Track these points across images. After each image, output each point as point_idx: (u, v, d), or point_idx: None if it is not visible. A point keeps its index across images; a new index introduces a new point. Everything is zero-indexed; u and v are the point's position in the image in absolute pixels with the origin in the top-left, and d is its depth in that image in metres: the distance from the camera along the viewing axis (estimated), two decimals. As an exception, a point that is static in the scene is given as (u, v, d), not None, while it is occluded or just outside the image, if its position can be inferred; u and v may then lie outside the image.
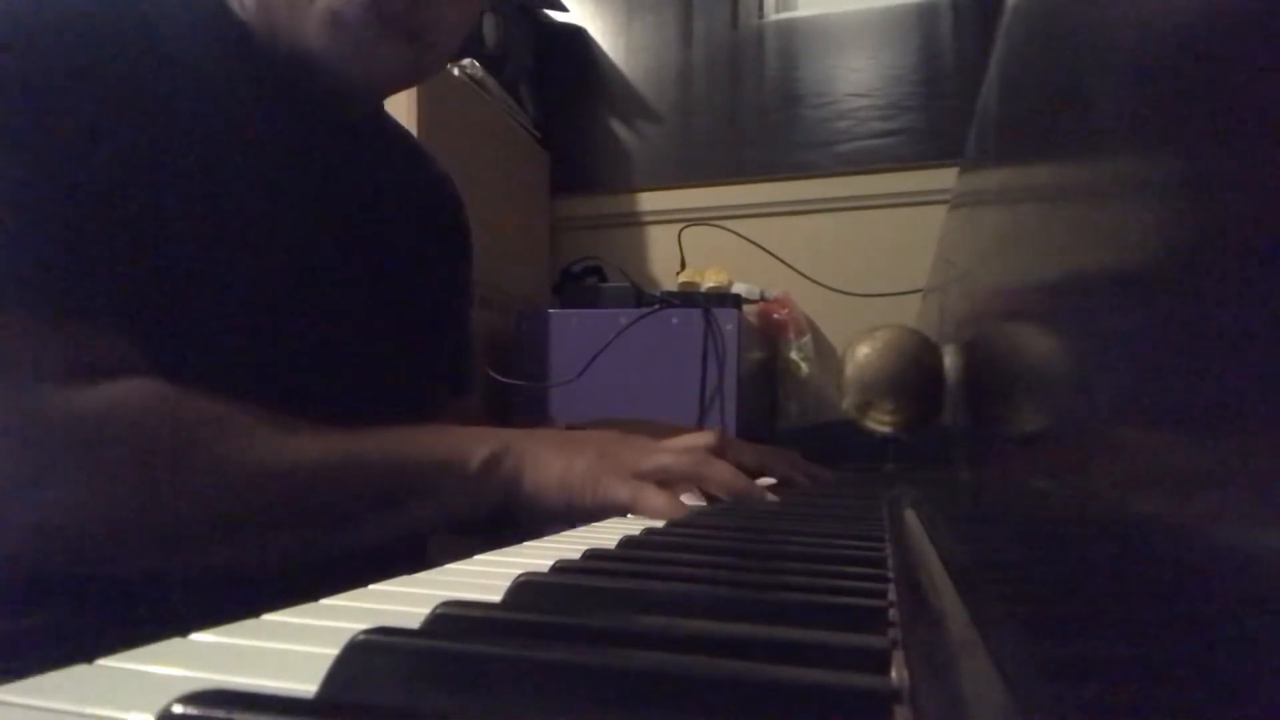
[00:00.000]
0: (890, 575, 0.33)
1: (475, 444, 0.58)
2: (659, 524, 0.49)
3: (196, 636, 0.23)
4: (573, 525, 0.58)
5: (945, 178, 1.35)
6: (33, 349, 0.47)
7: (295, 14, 0.60)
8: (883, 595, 0.28)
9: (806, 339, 1.52)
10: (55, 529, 0.46)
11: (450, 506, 0.57)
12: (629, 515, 0.56)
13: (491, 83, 1.49)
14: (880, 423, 0.55)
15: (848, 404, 0.56)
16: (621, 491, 0.57)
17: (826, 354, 1.56)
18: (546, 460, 0.59)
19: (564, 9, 1.76)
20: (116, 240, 0.50)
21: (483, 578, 0.33)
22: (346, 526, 0.55)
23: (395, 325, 0.72)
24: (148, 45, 0.55)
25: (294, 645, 0.22)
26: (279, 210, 0.61)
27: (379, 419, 0.57)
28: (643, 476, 0.58)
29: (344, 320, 0.66)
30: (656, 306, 1.32)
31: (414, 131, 1.20)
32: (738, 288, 1.48)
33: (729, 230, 1.64)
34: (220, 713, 0.16)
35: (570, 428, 0.81)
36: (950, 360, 0.47)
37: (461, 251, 0.89)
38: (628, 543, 0.40)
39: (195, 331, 0.54)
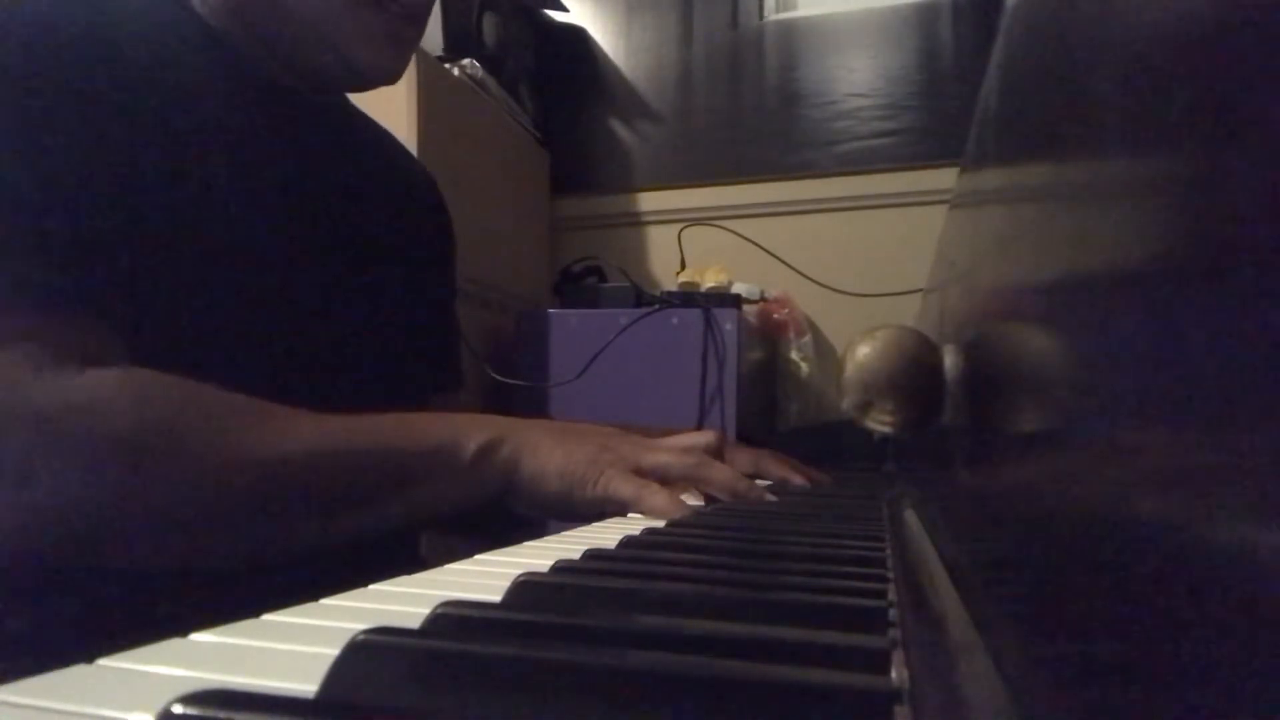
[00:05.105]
0: (890, 575, 0.33)
1: (471, 431, 0.58)
2: (659, 524, 0.49)
3: (196, 636, 0.23)
4: (570, 517, 0.58)
5: (945, 178, 1.35)
6: (18, 338, 0.47)
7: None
8: (883, 595, 0.28)
9: (806, 339, 1.51)
10: (45, 520, 0.46)
11: (446, 494, 0.57)
12: (629, 514, 0.56)
13: (491, 83, 1.49)
14: (880, 423, 0.55)
15: (848, 404, 0.56)
16: (625, 488, 0.56)
17: (826, 354, 1.56)
18: (546, 449, 0.58)
19: (564, 9, 1.76)
20: (97, 230, 0.50)
21: (483, 578, 0.33)
22: (339, 516, 0.54)
23: (381, 315, 0.72)
24: (113, 41, 0.55)
25: (294, 645, 0.22)
26: (256, 199, 0.61)
27: (367, 410, 0.57)
28: (644, 473, 0.58)
29: (328, 309, 0.66)
30: (656, 306, 1.32)
31: (414, 131, 1.20)
32: (738, 288, 1.48)
33: (729, 230, 1.64)
34: (220, 713, 0.16)
35: None
36: (950, 360, 0.47)
37: (445, 239, 0.88)
38: (628, 543, 0.40)
39: (180, 322, 0.54)
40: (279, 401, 0.53)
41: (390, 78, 0.68)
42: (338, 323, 0.67)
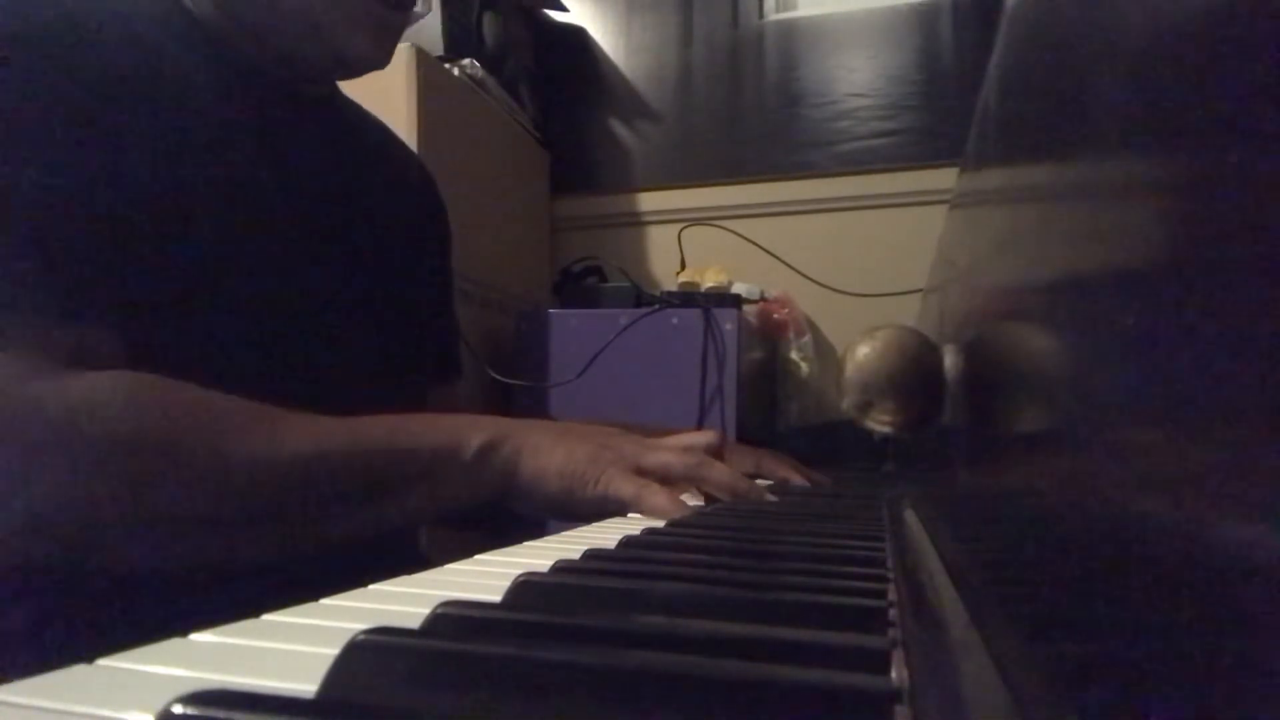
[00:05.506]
0: (890, 575, 0.33)
1: (471, 431, 0.58)
2: (659, 524, 0.49)
3: (196, 636, 0.23)
4: (570, 516, 0.58)
5: (945, 178, 1.35)
6: (15, 341, 0.47)
7: None
8: (883, 595, 0.28)
9: (806, 339, 1.51)
10: (44, 522, 0.46)
11: (446, 494, 0.57)
12: (629, 514, 0.56)
13: (491, 83, 1.49)
14: (880, 423, 0.55)
15: (848, 404, 0.56)
16: (625, 487, 0.56)
17: (826, 354, 1.56)
18: (546, 449, 0.58)
19: (564, 9, 1.76)
20: (92, 231, 0.50)
21: (483, 578, 0.33)
22: (339, 518, 0.54)
23: (380, 308, 0.72)
24: (102, 37, 0.55)
25: (294, 645, 0.22)
26: (250, 193, 0.61)
27: (368, 405, 0.57)
28: (644, 473, 0.58)
29: (329, 302, 0.66)
30: (656, 306, 1.32)
31: (414, 131, 1.20)
32: (738, 288, 1.48)
33: (729, 230, 1.64)
34: (220, 713, 0.16)
35: None
36: (950, 360, 0.47)
37: (441, 227, 0.88)
38: (628, 543, 0.40)
39: (177, 318, 0.54)
40: (278, 396, 0.53)
41: (376, 65, 0.68)
42: (335, 314, 0.66)
